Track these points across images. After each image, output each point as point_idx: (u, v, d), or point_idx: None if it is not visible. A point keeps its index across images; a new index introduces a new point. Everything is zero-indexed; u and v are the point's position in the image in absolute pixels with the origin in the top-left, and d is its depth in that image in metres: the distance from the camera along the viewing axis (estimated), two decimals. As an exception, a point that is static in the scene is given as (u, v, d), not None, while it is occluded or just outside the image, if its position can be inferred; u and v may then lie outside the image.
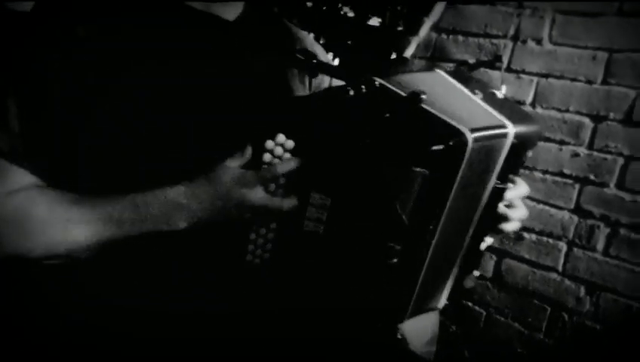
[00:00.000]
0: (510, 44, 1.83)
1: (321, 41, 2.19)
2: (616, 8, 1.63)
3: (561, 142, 1.73)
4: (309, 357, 0.94)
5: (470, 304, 1.96)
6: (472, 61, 1.91)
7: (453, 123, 0.76)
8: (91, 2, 0.79)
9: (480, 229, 0.90)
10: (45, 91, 0.74)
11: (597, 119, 1.67)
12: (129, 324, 0.78)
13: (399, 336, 1.06)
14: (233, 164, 0.77)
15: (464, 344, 1.98)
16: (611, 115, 1.65)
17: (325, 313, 0.89)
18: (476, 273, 0.98)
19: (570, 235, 1.73)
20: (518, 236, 1.83)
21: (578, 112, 1.70)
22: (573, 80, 1.71)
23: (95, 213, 0.75)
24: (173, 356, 0.81)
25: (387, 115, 0.76)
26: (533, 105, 1.78)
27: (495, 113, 0.84)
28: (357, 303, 0.85)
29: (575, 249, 1.72)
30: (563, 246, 1.74)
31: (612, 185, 1.65)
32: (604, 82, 1.65)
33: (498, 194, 0.89)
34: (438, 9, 1.98)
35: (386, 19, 2.16)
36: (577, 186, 1.71)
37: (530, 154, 0.92)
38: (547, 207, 1.77)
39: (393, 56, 2.08)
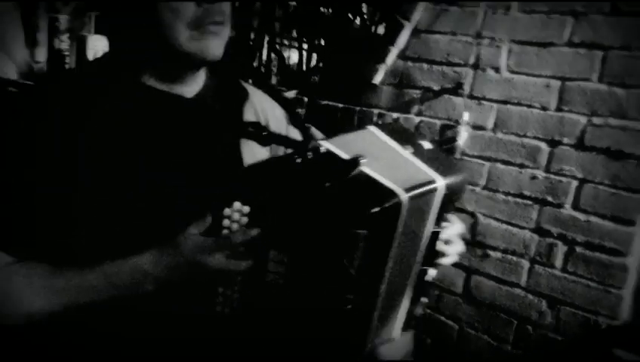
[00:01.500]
0: (471, 72, 1.92)
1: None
2: (566, 39, 1.73)
3: (521, 166, 1.83)
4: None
5: (443, 318, 2.06)
6: (436, 88, 2.01)
7: (389, 185, 0.85)
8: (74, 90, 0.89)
9: (423, 266, 1.00)
10: (28, 183, 0.84)
11: (552, 144, 1.77)
12: None
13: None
14: (195, 231, 0.86)
15: (439, 357, 2.08)
16: (565, 140, 1.74)
17: (291, 353, 0.99)
18: (424, 300, 1.08)
19: (532, 253, 1.83)
20: (484, 254, 1.93)
21: (535, 137, 1.80)
22: (530, 107, 1.81)
23: (71, 283, 0.85)
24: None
25: (331, 179, 0.86)
26: (494, 130, 1.88)
27: (425, 168, 0.93)
28: (319, 344, 0.95)
29: (536, 266, 1.83)
30: (525, 263, 1.85)
31: (568, 206, 1.75)
32: (558, 109, 1.75)
33: (435, 236, 0.99)
34: (403, 38, 2.08)
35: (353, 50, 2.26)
36: (537, 207, 1.81)
37: (461, 197, 1.01)
38: (510, 227, 1.87)
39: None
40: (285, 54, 2.98)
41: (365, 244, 0.84)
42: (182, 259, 0.85)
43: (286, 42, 2.97)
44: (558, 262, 1.78)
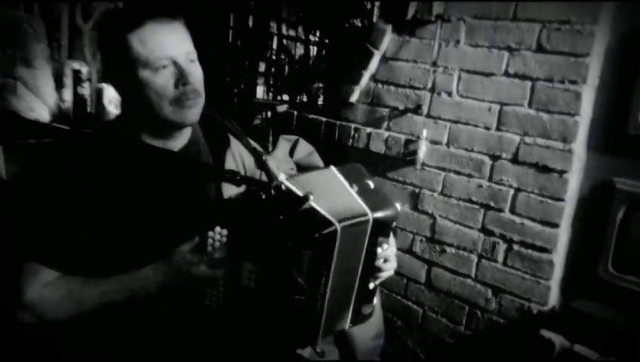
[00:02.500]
0: (429, 95, 2.25)
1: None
2: (504, 70, 2.04)
3: (469, 176, 2.16)
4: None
5: (410, 303, 2.42)
6: (401, 107, 2.34)
7: (328, 216, 1.15)
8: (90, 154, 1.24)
9: (364, 277, 1.29)
10: (63, 222, 1.20)
11: (494, 158, 2.10)
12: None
13: (319, 350, 1.48)
14: (186, 248, 1.21)
15: (407, 336, 2.44)
16: (504, 155, 2.07)
17: (256, 339, 1.33)
18: (375, 302, 1.40)
19: (479, 249, 2.17)
20: (441, 250, 2.27)
21: (480, 152, 2.13)
22: (476, 126, 2.13)
23: (97, 290, 1.21)
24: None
25: (286, 211, 1.18)
26: (447, 145, 2.21)
27: (362, 203, 1.22)
28: (283, 332, 1.27)
29: (483, 260, 2.16)
30: (474, 257, 2.19)
31: (507, 210, 2.08)
32: (498, 129, 2.07)
33: (372, 255, 1.28)
34: (374, 64, 2.41)
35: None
36: (482, 211, 2.15)
37: (394, 224, 1.32)
38: (462, 227, 2.21)
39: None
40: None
41: (310, 261, 1.15)
42: (175, 270, 1.21)
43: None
44: (500, 257, 2.11)
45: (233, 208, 1.28)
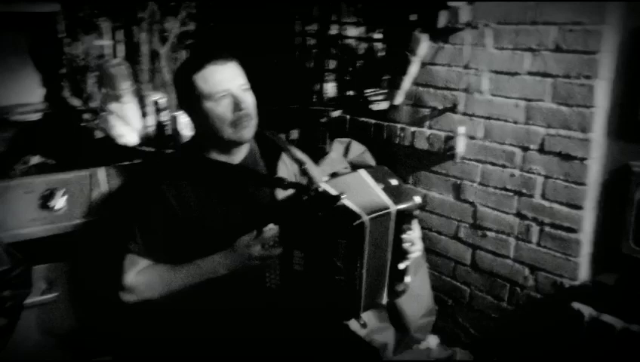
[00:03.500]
0: (463, 95, 2.50)
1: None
2: (527, 69, 2.26)
3: (503, 166, 2.40)
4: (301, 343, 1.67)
5: (458, 284, 2.68)
6: (440, 107, 2.60)
7: (358, 211, 1.40)
8: (170, 174, 1.62)
9: (394, 260, 1.54)
10: (153, 223, 1.59)
11: (523, 149, 2.32)
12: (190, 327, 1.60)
13: (362, 322, 1.76)
14: (246, 239, 1.56)
15: (458, 313, 2.71)
16: (532, 146, 2.29)
17: (309, 314, 1.62)
18: (408, 280, 1.64)
19: (515, 232, 2.40)
20: (483, 234, 2.52)
21: (511, 144, 2.35)
22: (506, 121, 2.36)
23: (180, 274, 1.59)
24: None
25: (323, 208, 1.42)
26: (482, 139, 2.45)
27: (386, 199, 1.47)
28: (330, 307, 1.51)
29: (519, 242, 2.39)
30: (512, 240, 2.42)
31: (537, 196, 2.30)
32: (525, 123, 2.29)
33: (398, 240, 1.52)
34: (414, 69, 2.68)
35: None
36: (516, 197, 2.37)
37: (417, 213, 1.59)
38: (499, 213, 2.44)
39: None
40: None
41: (345, 248, 1.42)
42: (239, 254, 1.51)
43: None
44: (534, 238, 2.33)
45: (283, 207, 1.61)
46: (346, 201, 1.40)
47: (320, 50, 4.89)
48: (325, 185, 1.46)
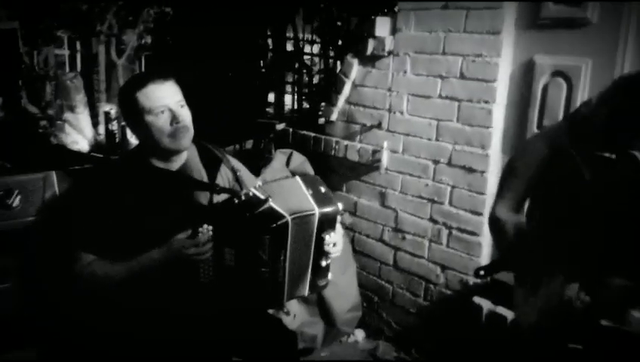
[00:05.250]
0: (387, 114, 2.82)
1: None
2: (438, 94, 2.59)
3: (419, 177, 2.72)
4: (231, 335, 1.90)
5: (383, 282, 2.98)
6: (368, 124, 2.91)
7: (282, 212, 1.62)
8: (108, 181, 1.86)
9: (316, 257, 1.69)
10: (96, 223, 1.81)
11: (435, 162, 2.64)
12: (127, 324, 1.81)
13: (285, 310, 2.02)
14: (182, 237, 1.80)
15: (382, 309, 3.01)
16: (442, 160, 2.61)
17: (241, 305, 1.86)
18: (330, 277, 1.85)
19: (429, 235, 2.72)
20: (403, 237, 2.83)
21: (425, 158, 2.68)
22: (421, 138, 2.68)
23: (120, 267, 1.79)
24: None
25: (251, 210, 1.65)
26: (402, 153, 2.77)
27: (313, 202, 1.63)
28: (257, 298, 1.74)
29: (432, 244, 2.71)
30: (426, 242, 2.74)
31: (446, 203, 2.63)
32: (437, 139, 2.62)
33: (320, 239, 1.67)
34: (347, 89, 2.99)
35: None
36: (429, 204, 2.69)
37: (339, 219, 1.84)
38: (416, 218, 2.76)
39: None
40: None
41: (270, 244, 1.60)
42: (172, 252, 1.75)
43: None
44: (444, 240, 2.66)
45: (217, 210, 1.83)
46: (272, 203, 1.59)
47: (280, 64, 5.22)
48: (254, 191, 1.66)
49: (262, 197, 1.61)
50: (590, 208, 1.08)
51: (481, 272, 1.44)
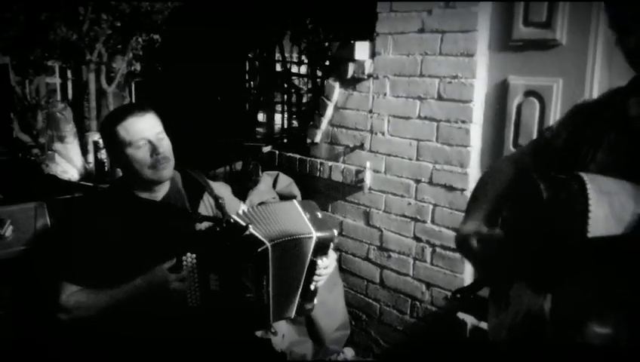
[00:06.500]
0: (369, 135, 2.89)
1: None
2: (417, 114, 2.66)
3: (402, 196, 2.78)
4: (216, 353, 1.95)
5: (370, 300, 3.03)
6: (351, 145, 2.98)
7: (262, 238, 1.65)
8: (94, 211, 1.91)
9: (307, 280, 1.72)
10: (83, 253, 1.86)
11: (417, 181, 2.71)
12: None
13: (273, 331, 2.06)
14: (166, 266, 1.84)
15: (370, 327, 3.05)
16: (423, 179, 2.68)
17: (228, 328, 1.90)
18: (315, 301, 1.90)
19: (413, 253, 2.77)
20: (388, 256, 2.89)
21: (407, 177, 2.74)
22: (402, 158, 2.75)
23: (106, 294, 1.84)
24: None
25: (231, 237, 1.69)
26: (385, 173, 2.84)
27: (310, 226, 1.66)
28: (243, 320, 1.81)
29: (417, 261, 2.77)
30: (411, 260, 2.79)
31: (429, 221, 2.69)
32: (417, 159, 2.69)
33: (314, 264, 1.71)
34: (330, 112, 3.06)
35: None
36: (413, 223, 2.75)
37: (332, 245, 1.87)
38: (400, 236, 2.82)
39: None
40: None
41: (252, 270, 1.69)
42: (157, 282, 1.79)
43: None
44: (428, 258, 2.71)
45: (200, 237, 1.88)
46: (252, 230, 1.62)
47: (269, 85, 5.32)
48: (236, 217, 1.70)
49: (243, 224, 1.66)
50: (547, 226, 1.14)
51: (458, 295, 1.50)
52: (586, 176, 0.99)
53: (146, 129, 1.81)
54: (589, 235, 0.94)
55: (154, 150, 1.81)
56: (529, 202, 1.29)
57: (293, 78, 6.41)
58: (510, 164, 1.51)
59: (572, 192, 1.02)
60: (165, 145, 1.86)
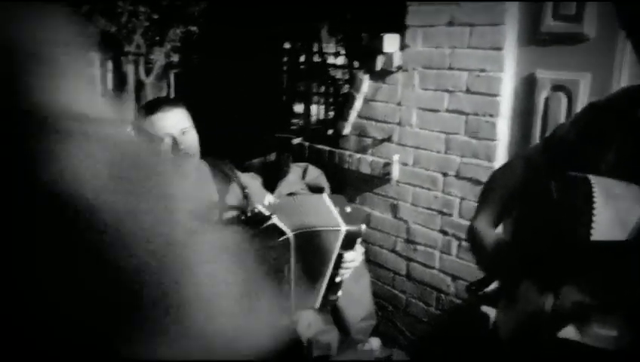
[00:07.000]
0: (397, 128, 2.90)
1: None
2: (446, 107, 2.67)
3: (429, 189, 2.79)
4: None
5: (397, 292, 3.06)
6: (379, 137, 3.00)
7: (284, 228, 1.78)
8: None
9: (333, 272, 1.78)
10: None
11: (444, 175, 2.71)
12: None
13: (294, 318, 2.13)
14: None
15: (396, 318, 3.08)
16: (450, 172, 2.68)
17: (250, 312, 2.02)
18: (340, 293, 2.02)
19: (440, 246, 2.78)
20: (415, 248, 2.90)
21: (435, 171, 2.75)
22: (430, 151, 2.76)
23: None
24: None
25: (256, 226, 1.87)
26: (412, 165, 2.85)
27: (339, 219, 1.75)
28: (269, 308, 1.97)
29: (443, 254, 2.78)
30: (437, 253, 2.80)
31: (456, 215, 2.69)
32: (446, 153, 2.70)
33: (340, 257, 1.78)
34: (358, 105, 3.09)
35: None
36: (439, 216, 2.76)
37: (359, 239, 1.93)
38: (427, 229, 2.83)
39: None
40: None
41: (274, 258, 1.80)
42: None
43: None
44: (454, 251, 2.72)
45: (228, 225, 1.98)
46: (275, 220, 1.71)
47: (306, 76, 5.38)
48: (261, 207, 1.76)
49: (267, 213, 1.71)
50: (555, 226, 1.15)
51: (473, 287, 1.51)
52: (593, 179, 0.99)
53: (170, 125, 1.87)
54: (593, 238, 0.95)
55: (175, 146, 1.87)
56: (540, 201, 1.30)
57: (330, 69, 6.44)
58: (522, 160, 1.51)
59: (578, 194, 1.03)
60: (188, 141, 1.92)
